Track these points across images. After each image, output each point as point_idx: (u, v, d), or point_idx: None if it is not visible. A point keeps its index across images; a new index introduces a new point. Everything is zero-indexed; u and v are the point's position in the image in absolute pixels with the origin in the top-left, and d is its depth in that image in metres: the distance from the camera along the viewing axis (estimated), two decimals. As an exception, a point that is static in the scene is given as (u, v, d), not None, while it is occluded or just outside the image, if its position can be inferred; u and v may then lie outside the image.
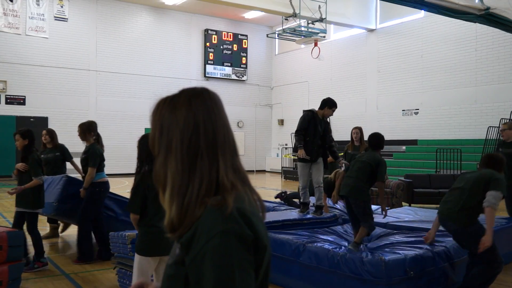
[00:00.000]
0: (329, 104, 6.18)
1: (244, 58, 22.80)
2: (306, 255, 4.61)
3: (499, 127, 13.74)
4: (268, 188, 15.42)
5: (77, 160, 6.41)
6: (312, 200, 6.56)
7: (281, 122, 23.21)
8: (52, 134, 6.89)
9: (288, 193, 8.90)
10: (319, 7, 15.74)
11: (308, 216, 6.08)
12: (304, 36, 16.19)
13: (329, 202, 6.83)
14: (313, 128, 6.12)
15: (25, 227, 5.42)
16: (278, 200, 8.80)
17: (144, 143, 3.39)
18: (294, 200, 8.52)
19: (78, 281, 5.13)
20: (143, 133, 4.00)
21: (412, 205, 10.09)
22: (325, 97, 6.39)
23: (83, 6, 18.93)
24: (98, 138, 6.04)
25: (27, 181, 5.29)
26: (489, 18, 11.20)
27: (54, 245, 6.98)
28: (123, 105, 19.77)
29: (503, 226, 5.77)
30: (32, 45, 17.88)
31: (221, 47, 22.19)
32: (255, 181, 18.24)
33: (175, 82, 20.30)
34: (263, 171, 23.30)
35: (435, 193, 10.32)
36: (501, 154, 5.14)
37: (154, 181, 1.11)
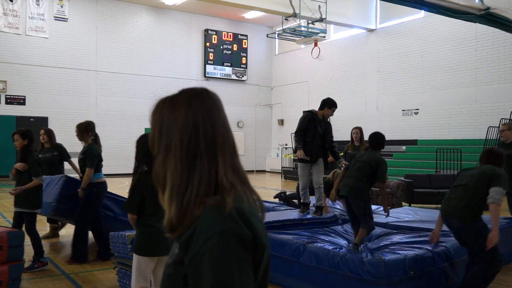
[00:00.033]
0: (328, 104, 6.17)
1: (244, 58, 22.80)
2: (306, 255, 4.61)
3: (499, 127, 13.74)
4: (268, 188, 15.41)
5: (75, 160, 6.41)
6: (312, 200, 6.56)
7: (281, 122, 23.21)
8: (50, 133, 6.89)
9: (287, 193, 8.90)
10: (319, 7, 15.75)
11: (308, 216, 6.08)
12: (304, 36, 16.19)
13: (329, 202, 6.84)
14: (313, 128, 6.11)
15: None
16: (277, 200, 8.80)
17: (141, 143, 3.39)
18: (293, 200, 8.52)
19: (78, 281, 5.13)
20: (143, 133, 4.00)
21: (412, 205, 10.09)
22: (324, 97, 6.40)
23: (83, 6, 18.93)
24: (96, 138, 6.02)
25: (26, 181, 5.28)
26: (489, 18, 11.20)
27: (54, 245, 6.98)
28: (123, 105, 19.77)
29: (503, 226, 5.76)
30: (32, 45, 17.89)
31: (221, 47, 22.19)
32: (255, 181, 18.24)
33: (175, 82, 20.30)
34: (263, 171, 23.30)
35: (435, 193, 10.32)
36: (500, 150, 5.13)
37: (154, 181, 1.11)
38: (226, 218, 0.98)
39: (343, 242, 5.15)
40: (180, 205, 1.04)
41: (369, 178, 5.03)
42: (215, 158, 1.06)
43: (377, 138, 5.20)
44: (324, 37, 16.75)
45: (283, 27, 16.08)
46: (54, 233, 7.37)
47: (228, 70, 22.40)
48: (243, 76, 22.85)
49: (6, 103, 17.53)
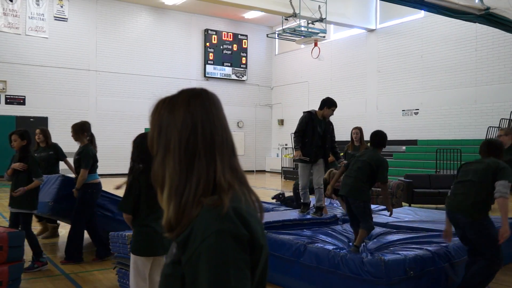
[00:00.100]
0: (328, 104, 6.16)
1: (244, 58, 22.80)
2: (307, 256, 4.61)
3: (499, 127, 13.75)
4: (268, 188, 15.41)
5: (72, 160, 6.39)
6: (312, 201, 6.56)
7: (281, 122, 23.21)
8: (45, 133, 6.88)
9: (286, 195, 8.88)
10: (319, 7, 15.75)
11: (308, 216, 6.08)
12: (304, 36, 16.19)
13: (328, 202, 6.84)
14: (311, 129, 6.11)
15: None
16: (275, 201, 8.78)
17: (137, 143, 3.40)
18: (292, 203, 8.49)
19: (78, 281, 5.13)
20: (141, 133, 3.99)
21: (412, 205, 10.09)
22: (324, 97, 6.39)
23: (83, 6, 18.93)
24: (92, 139, 5.99)
25: (25, 181, 5.28)
26: (489, 18, 11.20)
27: (54, 245, 6.98)
28: (123, 105, 19.78)
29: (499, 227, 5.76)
30: (32, 45, 17.89)
31: (221, 47, 22.19)
32: (255, 181, 18.24)
33: (175, 82, 20.30)
34: (263, 171, 23.30)
35: (435, 193, 10.32)
36: (499, 140, 5.12)
37: (152, 180, 1.11)
38: (223, 218, 0.98)
39: (343, 242, 5.15)
40: (178, 205, 1.05)
41: (369, 178, 5.01)
42: (213, 159, 1.06)
43: (379, 137, 5.15)
44: (324, 37, 16.75)
45: (283, 27, 16.08)
46: (54, 233, 7.37)
47: (228, 70, 22.40)
48: (243, 76, 22.84)
49: (6, 103, 17.53)
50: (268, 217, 5.75)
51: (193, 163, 1.05)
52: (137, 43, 20.13)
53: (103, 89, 19.43)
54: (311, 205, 6.48)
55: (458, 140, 15.31)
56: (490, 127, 13.98)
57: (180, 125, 1.07)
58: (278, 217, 5.80)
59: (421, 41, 16.89)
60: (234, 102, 22.16)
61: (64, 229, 7.53)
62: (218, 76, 22.15)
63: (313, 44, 16.67)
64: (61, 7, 18.50)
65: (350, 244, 5.07)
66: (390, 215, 5.40)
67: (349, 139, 7.89)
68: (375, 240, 5.25)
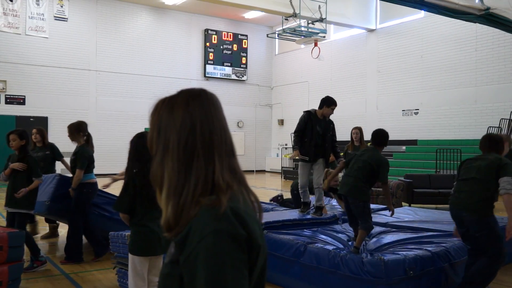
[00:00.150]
0: (327, 103, 6.14)
1: (244, 58, 22.80)
2: (307, 256, 4.61)
3: (499, 127, 13.76)
4: (268, 188, 15.42)
5: (69, 160, 6.38)
6: (312, 200, 6.55)
7: (281, 122, 23.21)
8: (42, 133, 6.86)
9: (284, 198, 8.86)
10: (319, 7, 15.75)
11: (308, 216, 6.07)
12: (304, 36, 16.19)
13: (328, 203, 6.83)
14: (310, 128, 6.11)
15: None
16: (273, 203, 8.76)
17: (134, 142, 3.41)
18: (290, 204, 8.48)
19: (77, 281, 5.13)
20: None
21: (412, 205, 10.09)
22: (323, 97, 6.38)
23: (83, 6, 18.93)
24: (89, 139, 5.98)
25: (24, 181, 5.27)
26: (489, 18, 11.20)
27: (54, 245, 6.98)
28: (123, 105, 19.77)
29: (503, 225, 5.76)
30: (32, 45, 17.88)
31: (221, 47, 22.19)
32: (255, 181, 18.24)
33: (175, 82, 20.30)
34: (263, 171, 23.30)
35: (435, 193, 10.32)
36: (499, 135, 5.12)
37: (151, 180, 1.12)
38: (220, 217, 0.99)
39: (343, 242, 5.15)
40: (176, 205, 1.05)
41: (369, 178, 4.99)
42: (212, 159, 1.07)
43: (380, 136, 5.10)
44: (324, 37, 16.75)
45: (283, 27, 16.07)
46: (53, 232, 7.37)
47: (228, 70, 22.40)
48: (243, 76, 22.84)
49: (6, 103, 17.52)
50: (268, 217, 5.75)
51: (192, 163, 1.06)
52: (137, 43, 20.13)
53: (103, 89, 19.43)
54: (311, 204, 6.48)
55: (458, 140, 15.31)
56: (490, 127, 13.98)
57: (179, 125, 1.07)
58: (278, 217, 5.79)
59: (421, 41, 16.89)
60: (234, 102, 22.16)
61: (64, 229, 7.52)
62: (218, 76, 22.15)
63: (313, 44, 16.66)
64: (61, 7, 18.50)
65: (350, 243, 5.08)
66: (391, 215, 5.38)
67: (349, 139, 7.89)
68: (375, 240, 5.24)
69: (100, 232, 6.02)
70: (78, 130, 5.86)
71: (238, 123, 22.65)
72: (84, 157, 5.76)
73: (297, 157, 6.23)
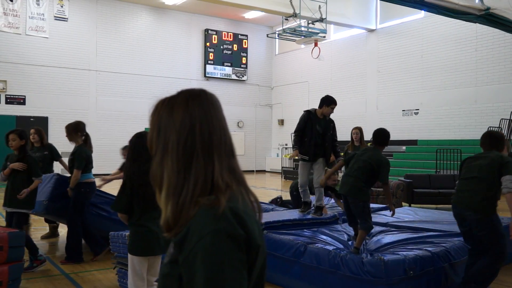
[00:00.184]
0: (326, 102, 6.14)
1: (244, 58, 22.80)
2: (307, 256, 4.61)
3: (499, 127, 13.75)
4: (268, 188, 15.42)
5: (67, 160, 6.38)
6: (312, 200, 6.55)
7: (281, 122, 23.21)
8: (40, 133, 6.85)
9: (283, 199, 8.85)
10: (319, 7, 15.75)
11: (308, 216, 6.07)
12: (304, 36, 16.19)
13: (328, 202, 6.83)
14: (310, 128, 6.11)
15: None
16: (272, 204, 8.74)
17: (133, 142, 3.41)
18: (289, 206, 8.47)
19: (78, 281, 5.13)
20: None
21: (412, 205, 10.09)
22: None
23: (83, 6, 18.94)
24: (87, 139, 5.98)
25: (24, 181, 5.27)
26: (489, 18, 11.20)
27: (54, 245, 6.98)
28: (123, 105, 19.78)
29: (505, 224, 5.76)
30: (32, 45, 17.89)
31: (221, 47, 22.19)
32: (255, 181, 18.24)
33: (175, 82, 20.30)
34: (263, 171, 23.30)
35: (435, 193, 10.32)
36: (500, 132, 5.10)
37: (151, 180, 1.12)
38: (219, 217, 0.99)
39: (344, 242, 5.15)
40: (176, 205, 1.05)
41: (369, 178, 4.98)
42: (211, 159, 1.07)
43: (382, 135, 5.06)
44: (324, 37, 16.74)
45: (283, 27, 16.08)
46: (53, 232, 7.36)
47: (228, 70, 22.40)
48: (243, 76, 22.84)
49: (6, 102, 17.53)
50: (268, 217, 5.75)
51: (191, 164, 1.06)
52: (137, 43, 20.13)
53: (103, 89, 19.43)
54: (312, 204, 6.47)
55: (458, 140, 15.31)
56: (490, 127, 13.96)
57: (178, 125, 1.08)
58: (278, 217, 5.79)
59: (421, 41, 16.89)
60: (234, 102, 22.17)
61: (64, 229, 7.53)
62: (218, 76, 22.15)
63: (313, 44, 16.66)
64: (61, 7, 18.50)
65: (350, 243, 5.08)
66: (392, 215, 5.37)
67: (349, 139, 7.89)
68: (375, 240, 5.24)
69: (97, 231, 6.03)
70: (76, 130, 5.86)
71: (238, 123, 22.65)
72: (81, 157, 5.76)
73: (296, 157, 6.24)
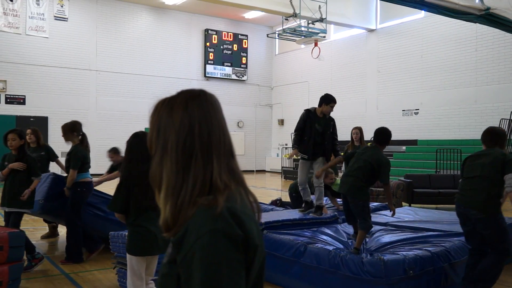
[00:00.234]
0: (326, 101, 6.13)
1: (244, 58, 22.80)
2: (307, 256, 4.61)
3: (499, 127, 13.74)
4: (268, 188, 15.42)
5: (63, 160, 6.37)
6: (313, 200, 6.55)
7: (281, 122, 23.21)
8: (37, 133, 6.83)
9: (283, 201, 8.85)
10: (319, 7, 15.75)
11: (308, 216, 6.07)
12: (304, 36, 16.19)
13: (327, 202, 6.83)
14: (309, 127, 6.11)
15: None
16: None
17: (129, 142, 3.42)
18: (288, 208, 8.45)
19: (78, 280, 5.13)
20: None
21: (412, 205, 10.09)
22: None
23: (83, 5, 18.93)
24: (83, 139, 5.97)
25: (24, 181, 5.27)
26: (489, 18, 11.20)
27: (53, 245, 6.98)
28: (124, 105, 19.78)
29: (510, 222, 5.76)
30: (32, 45, 17.89)
31: (221, 47, 22.19)
32: (255, 181, 18.24)
33: (175, 82, 20.30)
34: (263, 171, 23.30)
35: (435, 193, 10.32)
36: (502, 129, 5.10)
37: (150, 181, 1.12)
38: (217, 217, 0.99)
39: (344, 242, 5.15)
40: (174, 205, 1.06)
41: (369, 178, 4.97)
42: (210, 159, 1.07)
43: (384, 134, 5.03)
44: (324, 37, 16.74)
45: (283, 27, 16.08)
46: (53, 232, 7.36)
47: (228, 70, 22.40)
48: (243, 76, 22.84)
49: (6, 102, 17.53)
50: (268, 217, 5.75)
51: (190, 164, 1.06)
52: (137, 43, 20.13)
53: (104, 89, 19.43)
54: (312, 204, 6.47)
55: (458, 140, 15.31)
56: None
57: (177, 126, 1.08)
58: (278, 217, 5.79)
59: (421, 41, 16.89)
60: (234, 102, 22.16)
61: (63, 228, 7.53)
62: (218, 76, 22.15)
63: (313, 44, 16.66)
64: (61, 6, 18.50)
65: (350, 243, 5.08)
66: (392, 215, 5.36)
67: (349, 139, 7.89)
68: (375, 240, 5.24)
69: (94, 231, 6.04)
70: (72, 130, 5.86)
71: (238, 123, 22.65)
72: (77, 157, 5.76)
73: (295, 156, 6.26)
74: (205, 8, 20.13)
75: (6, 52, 17.45)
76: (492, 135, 4.42)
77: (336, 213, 6.36)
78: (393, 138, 5.25)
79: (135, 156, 3.34)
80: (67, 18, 18.60)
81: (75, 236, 5.83)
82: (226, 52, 22.30)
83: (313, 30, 15.94)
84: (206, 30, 21.79)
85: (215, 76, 22.02)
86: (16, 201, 5.29)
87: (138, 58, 20.11)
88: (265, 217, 5.63)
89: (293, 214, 6.23)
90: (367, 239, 5.13)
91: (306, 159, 6.23)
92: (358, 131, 7.63)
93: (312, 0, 15.44)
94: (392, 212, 5.20)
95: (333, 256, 4.41)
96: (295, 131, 6.31)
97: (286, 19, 16.03)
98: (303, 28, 15.92)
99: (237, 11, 20.47)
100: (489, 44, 14.94)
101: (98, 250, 5.99)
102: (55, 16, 18.36)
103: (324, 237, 5.23)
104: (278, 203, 8.59)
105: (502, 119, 14.02)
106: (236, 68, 22.56)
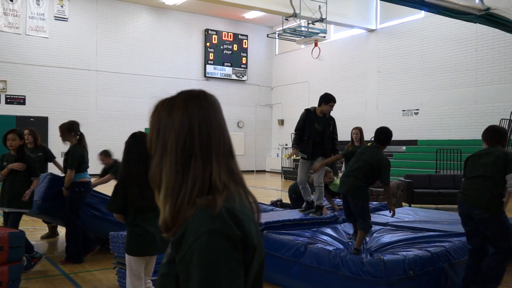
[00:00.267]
0: (325, 100, 6.12)
1: (244, 58, 22.80)
2: (307, 256, 4.61)
3: (499, 127, 13.73)
4: (268, 188, 15.42)
5: (61, 160, 6.37)
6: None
7: (281, 122, 23.21)
8: (34, 134, 6.82)
9: (283, 202, 8.85)
10: (319, 7, 15.74)
11: (308, 216, 6.07)
12: (304, 36, 16.19)
13: (326, 202, 6.82)
14: (309, 126, 6.11)
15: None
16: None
17: (127, 143, 3.42)
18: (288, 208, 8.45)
19: (77, 281, 5.13)
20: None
21: (412, 205, 10.09)
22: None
23: (83, 6, 18.93)
24: (81, 139, 5.96)
25: (23, 181, 5.27)
26: (489, 18, 11.20)
27: (53, 245, 6.98)
28: (123, 105, 19.78)
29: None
30: (32, 45, 17.89)
31: (221, 47, 22.19)
32: (255, 181, 18.24)
33: (175, 82, 20.30)
34: (263, 171, 23.30)
35: (435, 193, 10.32)
36: (503, 127, 5.10)
37: (150, 181, 1.12)
38: (215, 217, 0.99)
39: (344, 242, 5.15)
40: (174, 205, 1.06)
41: (369, 178, 4.97)
42: (209, 160, 1.07)
43: (385, 134, 5.01)
44: (324, 37, 16.74)
45: (283, 27, 16.07)
46: (53, 232, 7.36)
47: (228, 70, 22.40)
48: (243, 76, 22.84)
49: (6, 102, 17.53)
50: (268, 217, 5.75)
51: (190, 164, 1.06)
52: (137, 43, 20.13)
53: (103, 89, 19.43)
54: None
55: (458, 140, 15.31)
56: (490, 127, 13.96)
57: (177, 126, 1.08)
58: (278, 217, 5.79)
59: (421, 41, 16.89)
60: (234, 102, 22.16)
61: (63, 228, 7.53)
62: (218, 76, 22.15)
63: (313, 44, 16.66)
64: (62, 7, 18.50)
65: (350, 243, 5.08)
66: (392, 216, 5.36)
67: (349, 139, 7.88)
68: (375, 240, 5.24)
69: (91, 231, 6.03)
70: (70, 130, 5.86)
71: (238, 123, 22.64)
72: (74, 156, 5.76)
73: (294, 156, 6.27)
74: (205, 8, 20.13)
75: (6, 52, 17.45)
76: (494, 133, 4.42)
77: (336, 213, 6.36)
78: (393, 138, 5.24)
79: (133, 157, 3.34)
80: (67, 18, 18.60)
81: (75, 236, 5.83)
82: (226, 52, 22.30)
83: (313, 30, 15.94)
84: (206, 30, 21.79)
85: (215, 76, 22.01)
86: (16, 201, 5.29)
87: (138, 58, 20.11)
88: (265, 217, 5.63)
89: (293, 214, 6.23)
90: (367, 239, 5.14)
91: (305, 159, 6.23)
92: (358, 131, 7.62)
93: (312, 0, 15.43)
94: (392, 212, 5.19)
95: (333, 256, 4.41)
96: (295, 130, 6.32)
97: (286, 19, 16.03)
98: (303, 28, 15.92)
99: (237, 11, 20.46)
100: (489, 44, 14.94)
101: (93, 251, 5.98)
102: (55, 16, 18.36)
103: (324, 237, 5.23)
104: (278, 204, 8.58)
105: (502, 119, 14.02)
106: (236, 68, 22.55)
